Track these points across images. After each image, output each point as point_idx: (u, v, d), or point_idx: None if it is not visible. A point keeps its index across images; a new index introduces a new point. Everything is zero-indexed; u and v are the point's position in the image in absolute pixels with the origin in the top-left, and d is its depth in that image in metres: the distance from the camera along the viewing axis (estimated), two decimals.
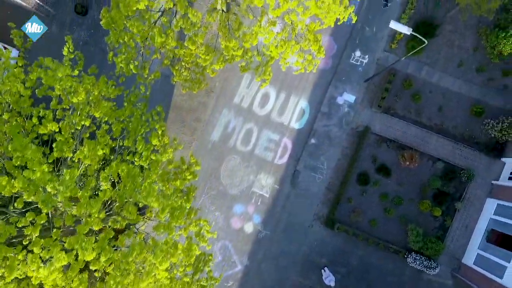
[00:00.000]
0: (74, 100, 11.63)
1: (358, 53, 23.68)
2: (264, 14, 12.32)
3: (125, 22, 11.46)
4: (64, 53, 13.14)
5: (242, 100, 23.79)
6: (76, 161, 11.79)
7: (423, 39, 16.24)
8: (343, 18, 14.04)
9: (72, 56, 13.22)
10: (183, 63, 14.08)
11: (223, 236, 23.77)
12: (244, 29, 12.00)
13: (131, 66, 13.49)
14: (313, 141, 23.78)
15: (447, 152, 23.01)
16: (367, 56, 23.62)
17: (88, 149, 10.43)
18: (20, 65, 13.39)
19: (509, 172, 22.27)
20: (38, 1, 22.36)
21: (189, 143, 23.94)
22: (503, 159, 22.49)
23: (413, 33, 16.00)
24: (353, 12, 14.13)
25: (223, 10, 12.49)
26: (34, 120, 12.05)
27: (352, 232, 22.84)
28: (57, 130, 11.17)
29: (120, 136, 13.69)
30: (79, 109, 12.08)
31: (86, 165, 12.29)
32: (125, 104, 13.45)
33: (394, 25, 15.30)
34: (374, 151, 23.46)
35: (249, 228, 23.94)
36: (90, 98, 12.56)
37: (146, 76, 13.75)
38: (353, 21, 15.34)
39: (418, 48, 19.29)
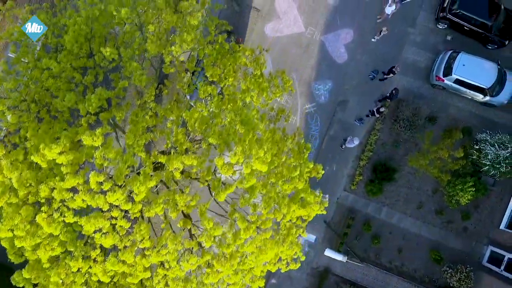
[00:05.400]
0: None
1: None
2: None
3: None
4: None
5: None
6: None
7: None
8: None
9: None
10: None
11: None
12: None
13: None
14: (273, 281, 23.59)
15: None
16: (327, 196, 23.38)
17: None
18: None
19: None
20: None
21: None
22: None
23: (349, 261, 15.96)
24: (300, 251, 14.35)
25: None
26: None
27: None
28: None
29: None
30: None
31: None
32: None
33: (329, 253, 15.25)
34: None
35: None
36: None
37: None
38: (302, 259, 15.58)
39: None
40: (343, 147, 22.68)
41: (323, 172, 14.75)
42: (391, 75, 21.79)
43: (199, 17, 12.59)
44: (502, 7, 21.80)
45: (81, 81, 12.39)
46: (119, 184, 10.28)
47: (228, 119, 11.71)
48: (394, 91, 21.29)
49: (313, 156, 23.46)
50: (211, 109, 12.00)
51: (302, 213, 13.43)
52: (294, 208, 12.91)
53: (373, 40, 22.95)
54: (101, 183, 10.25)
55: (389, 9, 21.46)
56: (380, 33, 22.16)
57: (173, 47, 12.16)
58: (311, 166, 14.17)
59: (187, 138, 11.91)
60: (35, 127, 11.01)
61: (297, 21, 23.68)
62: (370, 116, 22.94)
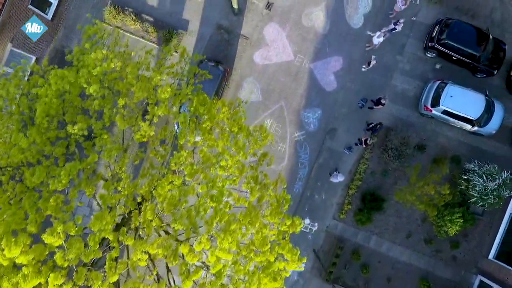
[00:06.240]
0: None
1: (307, 221, 23.44)
2: None
3: None
4: None
5: None
6: None
7: None
8: None
9: None
10: None
11: None
12: None
13: None
14: None
15: None
16: (316, 224, 23.38)
17: None
18: None
19: None
20: None
21: None
22: None
23: None
24: None
25: None
26: None
27: None
28: None
29: None
30: None
31: None
32: None
33: None
34: None
35: None
36: None
37: None
38: None
39: None
40: (332, 176, 22.65)
41: (301, 226, 14.60)
42: (380, 106, 21.74)
43: (169, 92, 12.51)
44: (491, 36, 21.75)
45: (51, 153, 12.33)
46: (80, 284, 10.26)
47: (200, 190, 11.66)
48: (378, 126, 21.31)
49: (302, 185, 23.48)
50: (183, 179, 11.96)
51: (275, 285, 13.09)
52: (265, 281, 12.74)
53: (362, 69, 22.93)
54: (61, 286, 10.23)
55: (377, 40, 21.43)
56: (369, 64, 22.12)
57: (142, 124, 12.13)
58: (289, 223, 14.02)
59: (155, 215, 11.84)
60: (6, 200, 10.97)
61: (286, 48, 23.62)
62: (359, 144, 22.90)
